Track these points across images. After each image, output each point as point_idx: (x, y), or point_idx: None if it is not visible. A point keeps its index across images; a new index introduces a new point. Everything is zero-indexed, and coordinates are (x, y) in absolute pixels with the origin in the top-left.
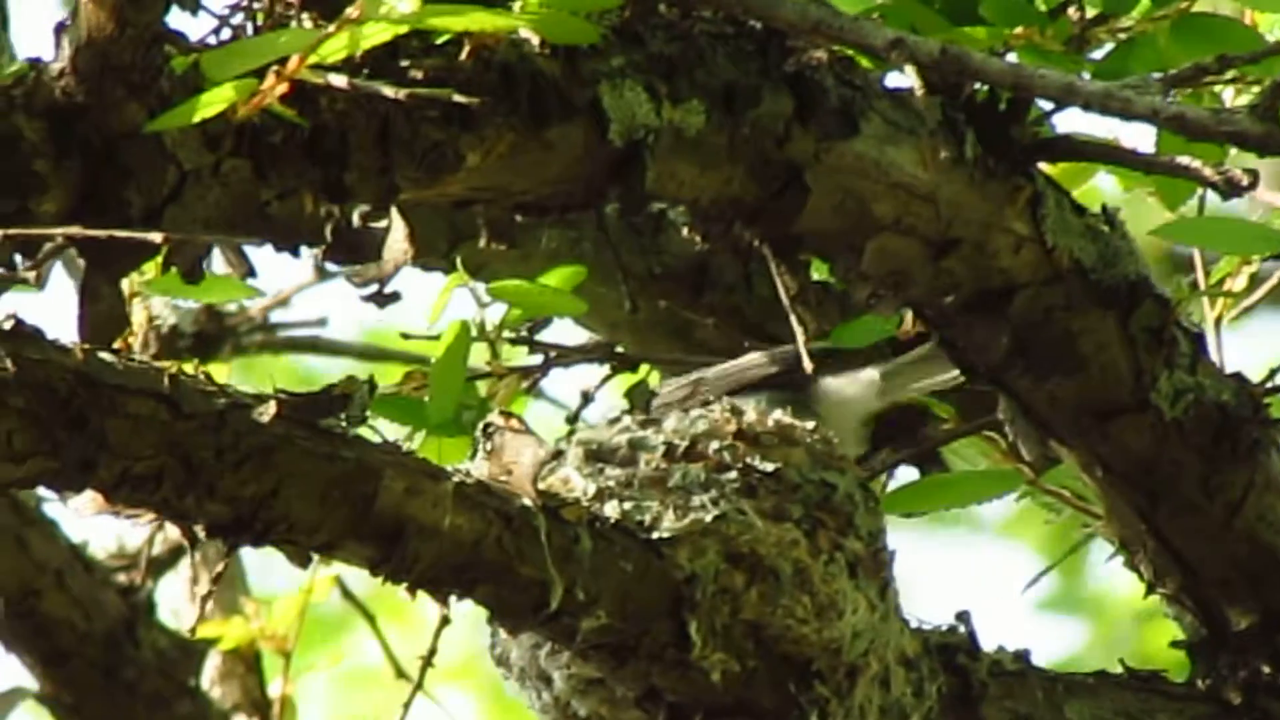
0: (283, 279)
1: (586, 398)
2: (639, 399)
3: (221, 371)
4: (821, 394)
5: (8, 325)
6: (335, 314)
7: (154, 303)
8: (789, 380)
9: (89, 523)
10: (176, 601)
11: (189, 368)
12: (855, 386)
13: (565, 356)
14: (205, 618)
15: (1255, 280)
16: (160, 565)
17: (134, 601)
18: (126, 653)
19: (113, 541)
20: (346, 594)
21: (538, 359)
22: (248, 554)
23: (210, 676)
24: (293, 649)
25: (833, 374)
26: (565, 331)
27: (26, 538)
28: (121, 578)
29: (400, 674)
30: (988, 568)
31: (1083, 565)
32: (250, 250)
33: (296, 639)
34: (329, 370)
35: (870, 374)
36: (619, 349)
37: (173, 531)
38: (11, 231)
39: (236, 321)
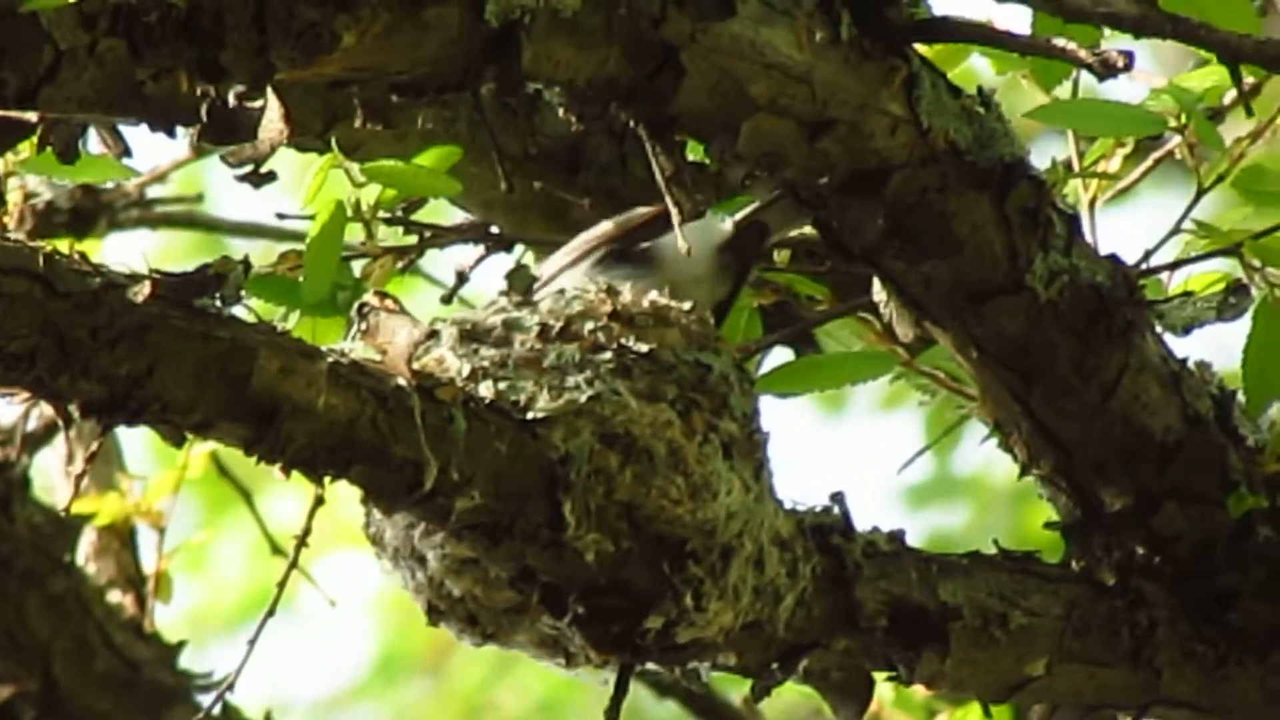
0: (160, 156)
1: (462, 278)
2: (518, 282)
3: (95, 248)
4: (665, 263)
5: None
6: (212, 191)
7: (30, 179)
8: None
9: None
10: (51, 477)
11: (64, 246)
12: (699, 262)
13: (440, 236)
14: (80, 494)
15: (1131, 160)
16: (35, 441)
17: (9, 477)
18: (1, 528)
19: None
20: (223, 472)
21: (413, 239)
22: (123, 430)
23: (85, 552)
24: (167, 524)
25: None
26: (440, 212)
27: None
28: None
29: (276, 550)
30: (863, 450)
31: (957, 448)
32: (127, 129)
33: (171, 514)
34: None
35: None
36: (494, 229)
37: (49, 408)
38: None
39: (113, 198)
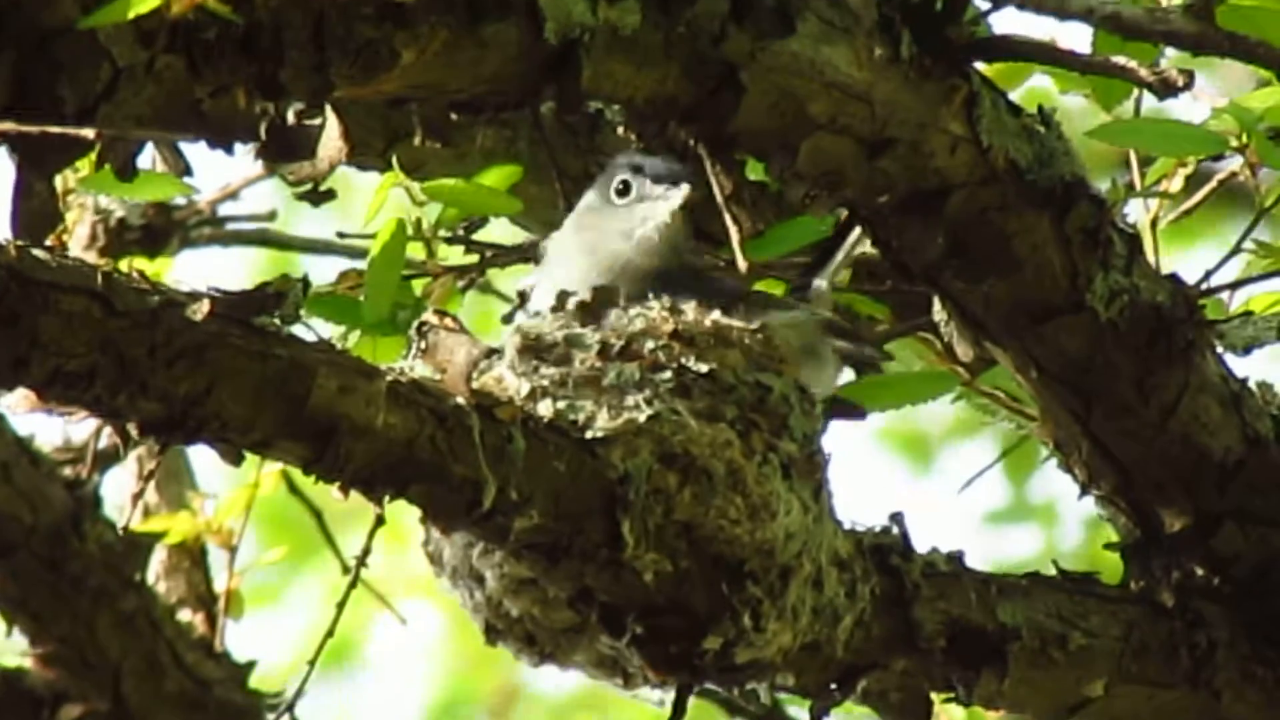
0: (232, 173)
1: (523, 297)
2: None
3: (168, 266)
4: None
5: None
6: (284, 208)
7: (102, 197)
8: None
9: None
10: (123, 496)
11: (124, 265)
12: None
13: (501, 256)
14: (148, 513)
15: (1192, 182)
16: (106, 459)
17: (80, 495)
18: (72, 546)
19: (59, 435)
20: (294, 490)
21: (474, 258)
22: (195, 449)
23: (156, 571)
24: (239, 543)
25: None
26: (501, 231)
27: None
28: (68, 471)
29: (346, 570)
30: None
31: (1033, 473)
32: (192, 148)
33: (242, 533)
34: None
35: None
36: None
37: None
38: None
39: (185, 215)
